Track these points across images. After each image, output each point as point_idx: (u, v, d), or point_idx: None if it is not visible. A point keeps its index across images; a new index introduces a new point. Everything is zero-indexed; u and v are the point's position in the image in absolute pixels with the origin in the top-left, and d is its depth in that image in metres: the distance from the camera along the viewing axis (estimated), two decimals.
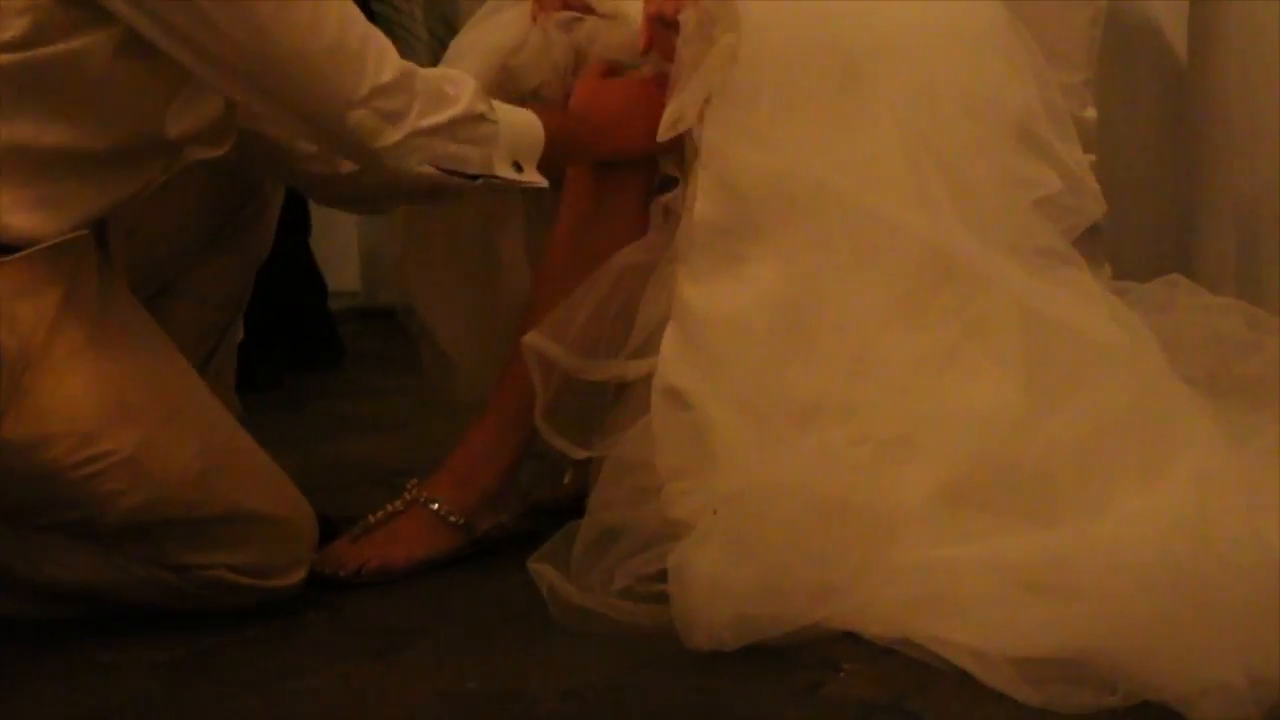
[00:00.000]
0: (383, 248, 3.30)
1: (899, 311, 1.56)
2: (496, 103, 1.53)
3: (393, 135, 1.44)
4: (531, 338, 1.60)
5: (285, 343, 2.68)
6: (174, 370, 1.53)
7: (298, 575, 1.52)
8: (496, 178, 1.52)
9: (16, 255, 1.37)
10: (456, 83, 1.50)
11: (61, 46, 1.36)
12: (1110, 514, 1.44)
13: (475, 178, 1.51)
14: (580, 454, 1.61)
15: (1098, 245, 2.01)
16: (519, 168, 1.54)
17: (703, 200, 1.56)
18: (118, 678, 1.41)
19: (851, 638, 1.37)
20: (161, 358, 1.52)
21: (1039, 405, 1.51)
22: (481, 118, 1.49)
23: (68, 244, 1.40)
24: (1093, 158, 2.05)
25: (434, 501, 1.62)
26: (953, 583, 1.38)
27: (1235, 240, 2.30)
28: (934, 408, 1.51)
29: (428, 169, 1.47)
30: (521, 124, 1.54)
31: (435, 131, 1.46)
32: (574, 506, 1.64)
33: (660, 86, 1.61)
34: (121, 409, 1.44)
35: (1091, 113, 2.12)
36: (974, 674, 1.28)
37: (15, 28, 1.33)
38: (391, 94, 1.43)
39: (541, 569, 1.49)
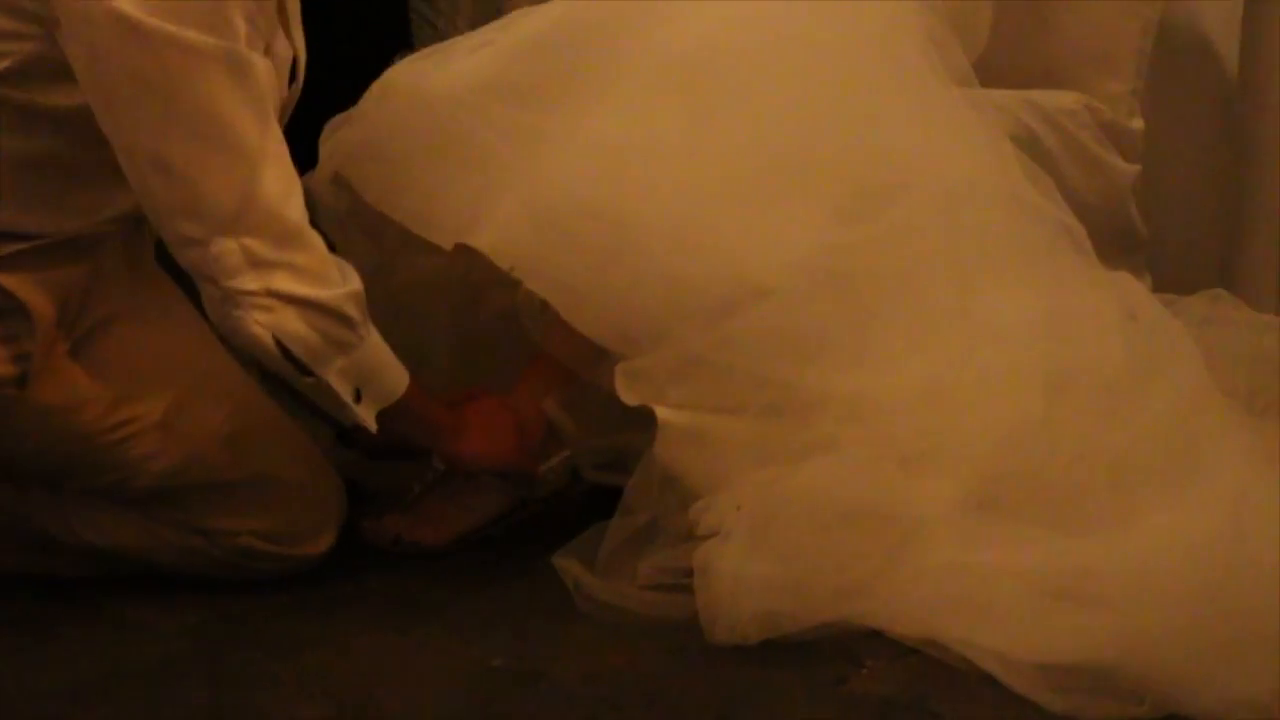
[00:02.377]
0: None
1: (907, 313, 1.53)
2: (376, 337, 1.44)
3: (249, 282, 1.35)
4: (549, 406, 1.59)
5: None
6: (203, 339, 1.54)
7: (325, 543, 1.53)
8: (327, 387, 1.41)
9: (46, 239, 1.40)
10: (348, 277, 1.41)
11: (52, 100, 1.34)
12: (1142, 526, 1.44)
13: (308, 374, 1.40)
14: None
15: (1139, 256, 2.03)
16: (358, 397, 1.44)
17: None
18: (149, 638, 1.43)
19: (876, 636, 1.37)
20: (190, 327, 1.54)
21: (1066, 412, 1.49)
22: (346, 321, 1.39)
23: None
24: (1138, 169, 2.07)
25: None
26: (980, 587, 1.37)
27: (1279, 257, 2.29)
28: (952, 422, 1.49)
29: (265, 336, 1.37)
30: (387, 366, 1.45)
31: (292, 301, 1.36)
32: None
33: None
34: (152, 374, 1.47)
35: (1138, 123, 2.10)
36: (999, 678, 1.28)
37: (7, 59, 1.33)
38: (271, 242, 1.35)
39: (567, 564, 1.49)
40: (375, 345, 1.44)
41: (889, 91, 1.60)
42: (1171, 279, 2.06)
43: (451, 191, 1.53)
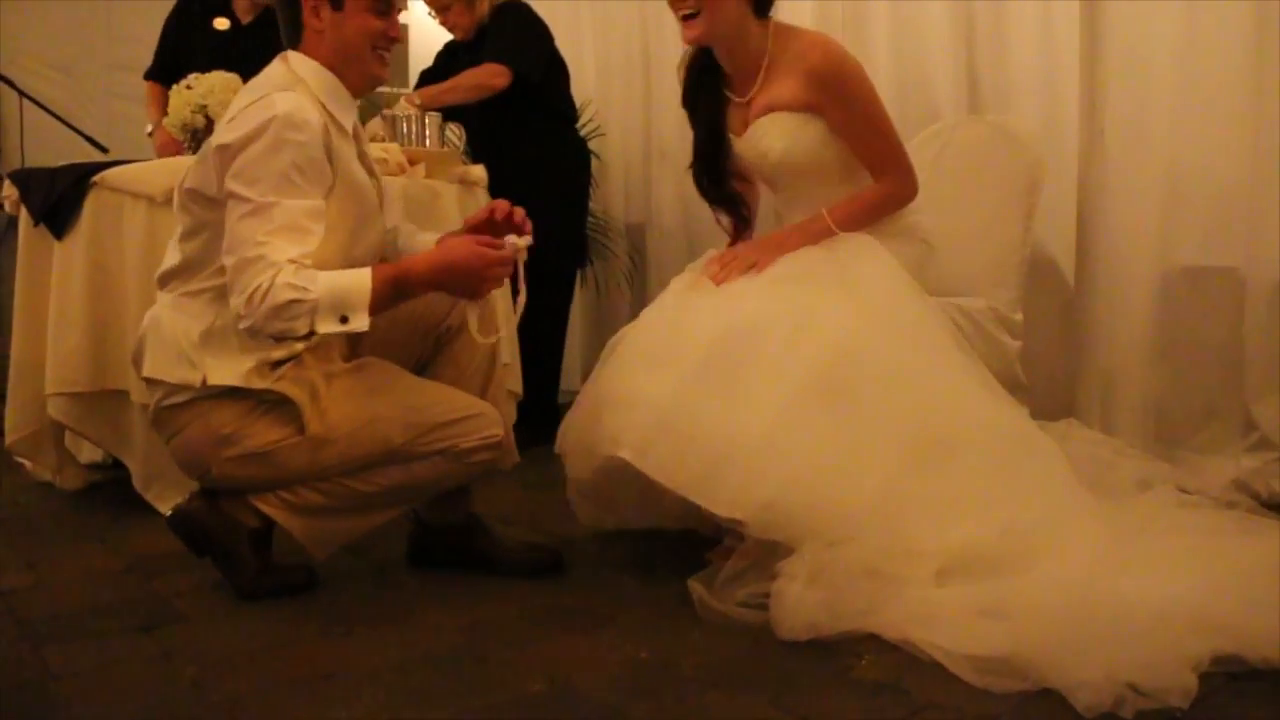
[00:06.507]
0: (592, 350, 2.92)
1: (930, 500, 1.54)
2: (326, 275, 1.45)
3: (246, 324, 1.47)
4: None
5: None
6: (406, 381, 1.66)
7: (500, 434, 1.64)
8: (317, 334, 1.47)
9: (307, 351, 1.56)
10: (288, 282, 1.44)
11: None
12: (1032, 573, 1.50)
13: (308, 335, 1.47)
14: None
15: (1023, 397, 2.07)
16: (345, 320, 1.46)
17: None
18: (438, 633, 1.50)
19: (873, 638, 1.44)
20: (397, 376, 1.65)
21: (998, 512, 1.54)
22: (292, 303, 1.44)
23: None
24: (1020, 344, 2.12)
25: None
26: (935, 610, 1.44)
27: (1101, 396, 2.30)
28: (933, 536, 1.51)
29: (269, 337, 1.49)
30: (345, 288, 1.46)
31: (267, 318, 1.45)
32: None
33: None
34: (365, 393, 1.60)
35: (1019, 316, 2.15)
36: (944, 665, 1.35)
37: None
38: (247, 319, 1.46)
39: (695, 587, 1.56)
40: (325, 290, 1.45)
41: (932, 370, 1.63)
42: (1042, 412, 2.12)
43: (686, 464, 1.53)
